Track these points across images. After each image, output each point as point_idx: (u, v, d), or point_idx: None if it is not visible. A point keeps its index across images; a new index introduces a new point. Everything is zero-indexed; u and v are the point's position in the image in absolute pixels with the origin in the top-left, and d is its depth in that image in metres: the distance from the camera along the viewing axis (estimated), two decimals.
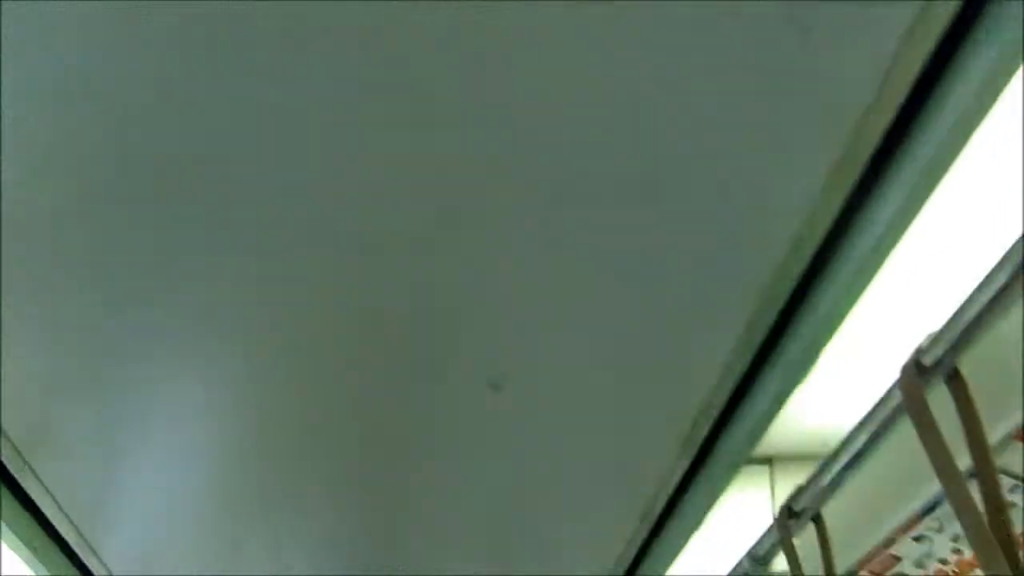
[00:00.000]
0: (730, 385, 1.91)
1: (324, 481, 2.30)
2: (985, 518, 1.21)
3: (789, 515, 1.71)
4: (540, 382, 1.83)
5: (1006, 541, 1.20)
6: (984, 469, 1.24)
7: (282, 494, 2.37)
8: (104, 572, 2.63)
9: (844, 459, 1.55)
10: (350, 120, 1.29)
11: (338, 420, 2.02)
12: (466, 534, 2.56)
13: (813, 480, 1.65)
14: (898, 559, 3.13)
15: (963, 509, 1.24)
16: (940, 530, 2.88)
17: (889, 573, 3.18)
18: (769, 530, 1.83)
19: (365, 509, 2.51)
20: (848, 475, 1.60)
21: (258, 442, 2.14)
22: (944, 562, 2.99)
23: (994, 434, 2.40)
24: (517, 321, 1.70)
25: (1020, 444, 2.41)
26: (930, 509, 2.80)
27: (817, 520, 1.69)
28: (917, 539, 3.00)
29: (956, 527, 2.81)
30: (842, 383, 1.88)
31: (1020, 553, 1.19)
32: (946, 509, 2.77)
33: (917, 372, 1.28)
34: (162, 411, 2.02)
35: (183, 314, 1.69)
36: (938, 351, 1.24)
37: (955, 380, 1.27)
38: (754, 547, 1.88)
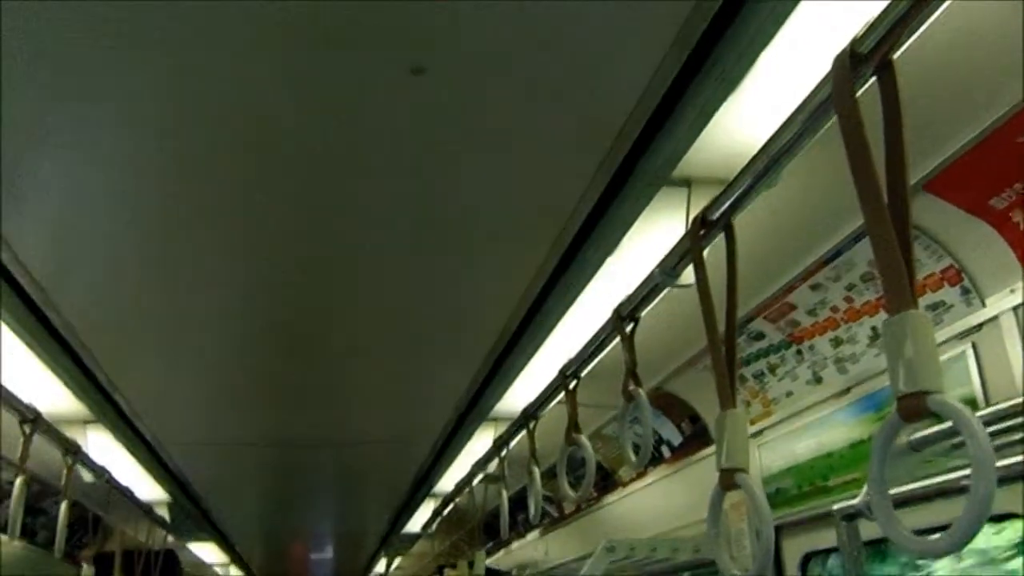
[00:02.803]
0: (657, 96, 1.88)
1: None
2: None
3: (702, 225, 1.73)
4: (461, 70, 1.76)
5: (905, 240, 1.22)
6: (896, 173, 1.24)
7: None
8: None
9: (762, 164, 1.54)
10: None
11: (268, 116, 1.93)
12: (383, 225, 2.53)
13: (728, 189, 1.66)
14: (793, 307, 3.28)
15: (872, 208, 1.24)
16: (837, 279, 3.01)
17: (783, 320, 3.35)
18: (680, 242, 1.86)
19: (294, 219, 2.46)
20: (763, 186, 1.60)
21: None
22: (835, 310, 3.15)
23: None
24: (440, 4, 1.60)
25: (930, 195, 2.47)
26: (833, 257, 2.91)
27: (728, 230, 1.72)
28: (814, 288, 3.13)
29: (852, 276, 2.95)
30: (772, 105, 1.85)
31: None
32: (846, 258, 2.88)
33: (851, 63, 1.25)
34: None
35: None
36: (872, 39, 1.21)
37: (886, 73, 1.26)
38: (665, 258, 1.91)
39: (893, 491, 2.00)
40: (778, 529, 3.68)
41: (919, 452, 2.07)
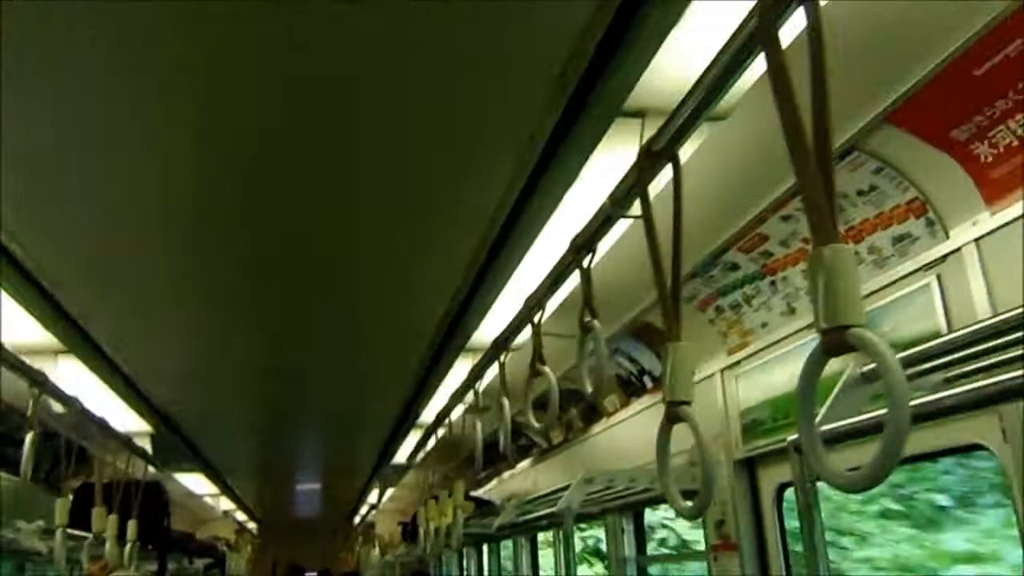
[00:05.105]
0: (604, 24, 1.84)
1: None
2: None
3: (647, 155, 1.70)
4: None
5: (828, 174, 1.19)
6: (820, 109, 1.20)
7: None
8: None
9: (701, 94, 1.51)
10: None
11: None
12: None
13: (671, 120, 1.62)
14: (766, 238, 3.27)
15: (796, 145, 1.21)
16: None
17: (757, 251, 3.33)
18: (629, 173, 1.83)
19: None
20: (707, 117, 1.57)
21: None
22: (806, 241, 3.13)
23: (865, 114, 2.42)
24: None
25: (892, 127, 2.44)
26: (801, 189, 2.88)
27: (674, 161, 1.68)
28: (785, 219, 3.11)
29: None
30: (721, 35, 1.81)
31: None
32: None
33: None
34: None
35: None
36: None
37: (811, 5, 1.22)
38: (614, 190, 1.89)
39: (845, 423, 2.04)
40: (754, 460, 3.72)
41: (872, 383, 2.08)
